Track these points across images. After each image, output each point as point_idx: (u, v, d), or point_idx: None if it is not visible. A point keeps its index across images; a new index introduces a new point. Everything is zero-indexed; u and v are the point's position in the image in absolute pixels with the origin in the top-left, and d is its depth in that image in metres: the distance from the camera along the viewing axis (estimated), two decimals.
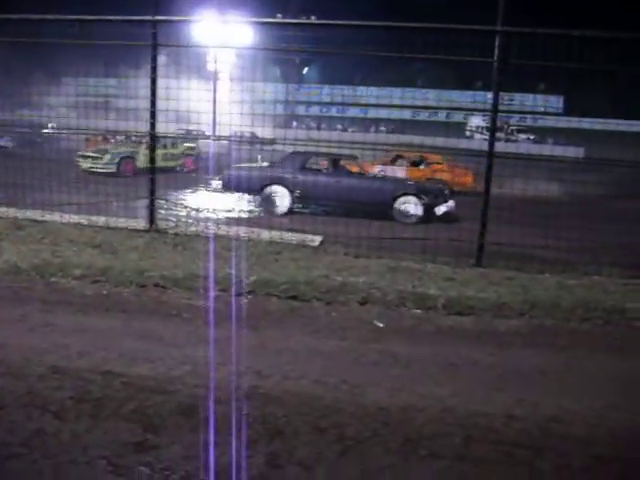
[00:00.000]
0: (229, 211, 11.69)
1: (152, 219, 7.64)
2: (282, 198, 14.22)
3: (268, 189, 14.30)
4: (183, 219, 8.68)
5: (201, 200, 12.42)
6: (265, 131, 13.68)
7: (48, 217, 8.04)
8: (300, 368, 3.92)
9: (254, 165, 15.57)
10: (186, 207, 10.45)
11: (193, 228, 7.60)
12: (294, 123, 45.00)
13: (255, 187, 14.22)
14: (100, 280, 5.49)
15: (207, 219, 8.55)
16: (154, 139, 7.66)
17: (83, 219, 7.66)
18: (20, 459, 2.82)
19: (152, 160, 7.75)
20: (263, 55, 11.16)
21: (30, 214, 8.20)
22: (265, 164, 15.49)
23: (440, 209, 13.56)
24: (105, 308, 4.94)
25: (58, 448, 2.91)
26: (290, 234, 7.67)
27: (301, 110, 56.02)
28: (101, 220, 7.65)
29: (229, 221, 8.73)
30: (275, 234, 7.48)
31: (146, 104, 7.67)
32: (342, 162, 15.08)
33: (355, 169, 14.96)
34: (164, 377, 3.69)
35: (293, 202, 14.15)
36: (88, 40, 7.88)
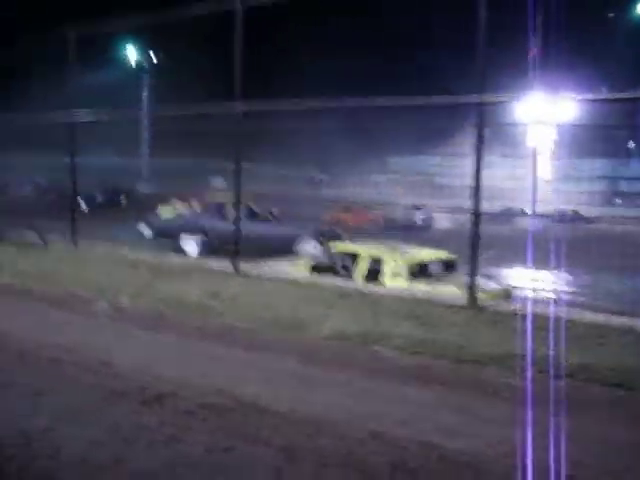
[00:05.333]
0: (547, 290, 11.32)
1: (473, 295, 7.65)
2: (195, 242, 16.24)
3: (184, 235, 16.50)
4: (504, 298, 8.58)
5: (519, 275, 12.21)
6: (588, 209, 13.16)
7: (371, 289, 8.46)
8: (623, 463, 3.65)
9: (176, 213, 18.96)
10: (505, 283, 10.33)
11: (513, 307, 7.46)
12: (618, 200, 42.71)
13: (176, 233, 16.49)
14: (419, 351, 5.62)
15: (526, 297, 8.35)
16: (478, 217, 7.67)
17: (405, 292, 7.92)
18: None
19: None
20: (586, 129, 10.85)
21: (357, 286, 8.71)
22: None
23: None
24: (423, 379, 5.03)
25: None
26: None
27: (624, 186, 52.25)
28: (421, 293, 7.85)
29: (549, 300, 8.44)
30: (599, 317, 7.07)
31: (466, 181, 7.80)
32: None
33: None
34: (479, 454, 3.65)
35: (205, 245, 15.95)
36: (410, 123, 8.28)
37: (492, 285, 9.31)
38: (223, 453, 3.59)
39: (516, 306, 7.49)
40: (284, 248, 15.02)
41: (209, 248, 16.42)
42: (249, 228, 15.51)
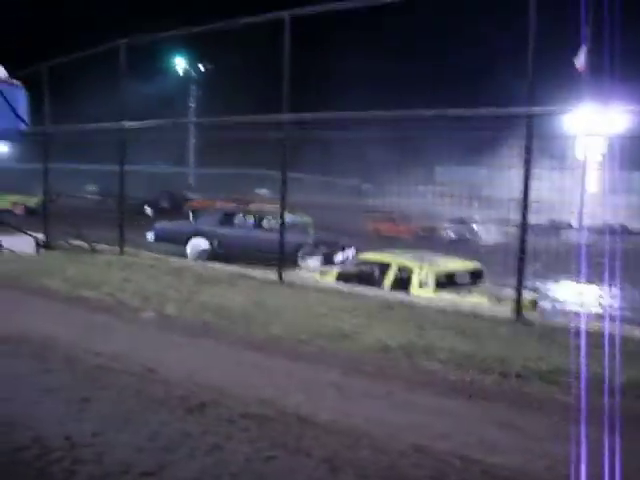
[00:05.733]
0: (596, 305, 11.14)
1: (519, 308, 7.55)
2: (204, 248, 17.23)
3: (192, 241, 17.45)
4: (551, 312, 8.47)
5: (567, 290, 12.03)
6: (638, 223, 12.91)
7: (416, 300, 8.42)
8: None
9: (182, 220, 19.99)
10: (552, 298, 10.19)
11: (561, 320, 7.35)
12: None
13: (182, 239, 17.50)
14: (463, 365, 5.58)
15: (574, 312, 8.22)
16: (525, 229, 7.58)
17: (448, 306, 7.86)
18: None
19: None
20: (637, 141, 10.61)
21: (401, 297, 8.67)
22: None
23: (337, 257, 15.33)
24: (467, 393, 4.99)
25: None
26: None
27: None
28: (467, 308, 7.78)
29: (598, 315, 8.29)
30: None
31: (513, 194, 7.74)
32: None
33: None
34: (521, 469, 3.61)
35: (213, 251, 16.96)
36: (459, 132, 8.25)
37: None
38: (264, 463, 3.61)
39: (563, 320, 7.39)
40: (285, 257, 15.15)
41: (210, 254, 16.85)
42: (246, 235, 16.37)
